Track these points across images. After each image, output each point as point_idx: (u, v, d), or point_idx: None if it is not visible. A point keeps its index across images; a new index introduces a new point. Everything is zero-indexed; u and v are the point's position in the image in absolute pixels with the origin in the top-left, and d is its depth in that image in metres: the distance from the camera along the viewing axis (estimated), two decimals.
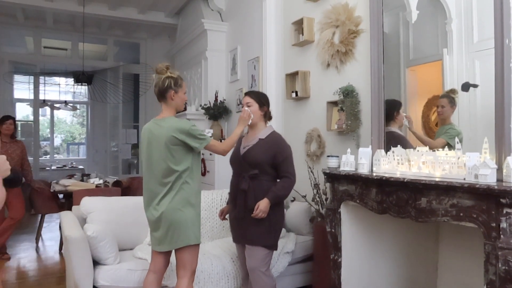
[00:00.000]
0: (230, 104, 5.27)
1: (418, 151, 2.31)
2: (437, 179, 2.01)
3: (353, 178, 2.51)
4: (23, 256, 4.61)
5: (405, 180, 2.12)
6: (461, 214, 1.87)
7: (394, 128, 2.75)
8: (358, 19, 3.20)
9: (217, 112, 5.18)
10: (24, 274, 4.04)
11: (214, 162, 4.48)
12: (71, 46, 8.55)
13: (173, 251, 2.38)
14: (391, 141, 2.63)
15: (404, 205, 2.17)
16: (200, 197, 2.40)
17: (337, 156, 2.82)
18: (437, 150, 2.23)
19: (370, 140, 2.75)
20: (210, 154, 4.50)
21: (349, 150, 2.72)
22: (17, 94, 9.19)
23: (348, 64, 3.32)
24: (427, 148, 2.33)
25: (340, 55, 3.35)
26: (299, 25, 3.87)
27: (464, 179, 1.92)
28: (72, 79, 6.83)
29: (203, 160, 4.66)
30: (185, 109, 5.46)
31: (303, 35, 3.79)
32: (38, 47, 8.13)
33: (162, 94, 2.36)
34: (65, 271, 3.76)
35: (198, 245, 2.35)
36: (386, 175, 2.30)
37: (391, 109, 2.74)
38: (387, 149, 2.54)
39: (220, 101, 5.27)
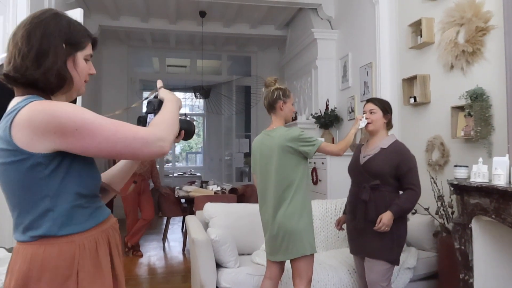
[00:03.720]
0: (341, 112, 5.19)
1: None
2: None
3: (487, 191, 2.27)
4: (153, 254, 5.12)
5: None
6: None
7: None
8: (488, 15, 2.90)
9: (328, 120, 5.15)
10: (154, 271, 4.48)
11: (326, 171, 4.43)
12: (190, 63, 9.33)
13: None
14: None
15: None
16: (311, 205, 2.41)
17: (466, 166, 2.59)
18: None
19: (507, 148, 2.46)
20: (322, 163, 4.48)
21: (480, 159, 2.47)
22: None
23: (476, 65, 3.03)
24: None
25: (466, 55, 3.07)
26: (416, 26, 3.66)
27: None
28: (192, 93, 7.43)
29: (315, 169, 4.66)
30: (295, 118, 5.54)
31: (421, 36, 3.57)
32: (163, 66, 9.05)
33: (271, 105, 2.44)
34: (189, 270, 4.07)
35: (313, 254, 2.34)
36: None
37: None
38: None
39: (331, 109, 5.23)
